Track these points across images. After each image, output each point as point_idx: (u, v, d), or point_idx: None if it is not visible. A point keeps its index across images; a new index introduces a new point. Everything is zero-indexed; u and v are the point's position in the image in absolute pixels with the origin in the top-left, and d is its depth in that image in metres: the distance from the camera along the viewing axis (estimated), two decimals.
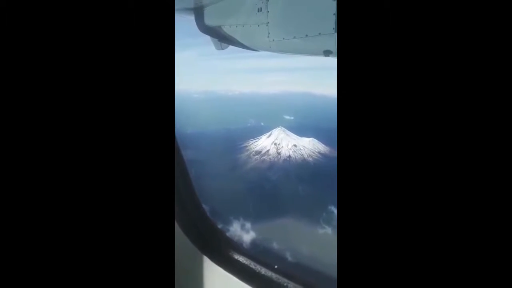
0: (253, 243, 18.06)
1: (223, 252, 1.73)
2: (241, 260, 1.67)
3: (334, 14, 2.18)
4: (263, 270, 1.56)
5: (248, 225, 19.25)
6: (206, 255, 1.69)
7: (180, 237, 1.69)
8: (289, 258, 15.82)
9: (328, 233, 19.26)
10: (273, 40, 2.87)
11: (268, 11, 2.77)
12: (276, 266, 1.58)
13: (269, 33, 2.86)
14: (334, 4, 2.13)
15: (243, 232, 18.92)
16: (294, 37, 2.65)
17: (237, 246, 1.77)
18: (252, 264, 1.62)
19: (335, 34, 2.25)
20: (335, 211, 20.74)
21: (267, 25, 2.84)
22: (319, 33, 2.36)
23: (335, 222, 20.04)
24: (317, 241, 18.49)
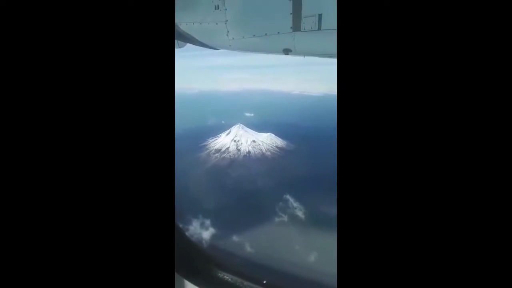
0: (213, 238, 18.38)
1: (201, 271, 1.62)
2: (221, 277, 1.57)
3: (290, 13, 2.21)
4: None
5: (207, 222, 19.48)
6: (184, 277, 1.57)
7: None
8: (249, 249, 16.44)
9: (284, 220, 20.27)
10: (233, 38, 2.83)
11: (225, 9, 2.69)
12: (265, 281, 1.53)
13: (228, 32, 2.81)
14: (291, 4, 2.17)
15: (202, 229, 19.13)
16: (254, 35, 2.67)
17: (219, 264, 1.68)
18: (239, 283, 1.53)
19: (293, 33, 2.31)
20: (291, 199, 21.83)
21: (225, 23, 2.77)
22: (278, 32, 2.38)
23: (291, 210, 21.14)
24: (274, 229, 19.38)
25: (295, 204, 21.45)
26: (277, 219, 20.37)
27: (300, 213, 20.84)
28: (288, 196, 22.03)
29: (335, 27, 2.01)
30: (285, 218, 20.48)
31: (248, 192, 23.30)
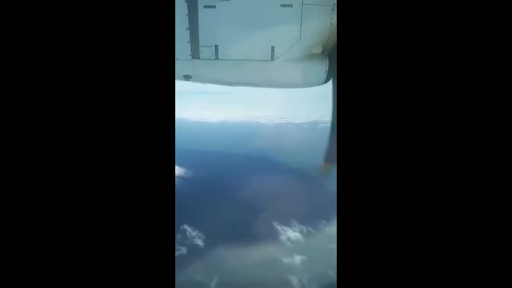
0: None
1: None
2: None
3: (188, 42, 2.27)
4: None
5: None
6: None
7: None
8: None
9: (183, 253, 19.02)
10: None
11: None
12: None
13: None
14: (188, 33, 2.22)
15: None
16: None
17: None
18: None
19: (192, 60, 2.34)
20: (188, 229, 20.79)
21: None
22: (177, 58, 2.38)
23: (189, 241, 19.99)
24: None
25: (194, 233, 20.56)
26: (176, 254, 18.86)
27: (199, 242, 20.06)
28: (186, 227, 20.96)
29: (232, 57, 2.26)
30: (184, 250, 19.25)
31: None
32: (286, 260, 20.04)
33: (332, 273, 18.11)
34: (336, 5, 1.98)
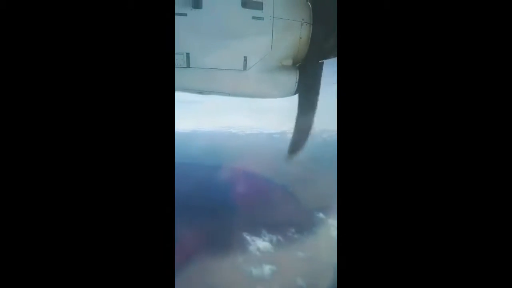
0: None
1: None
2: None
3: None
4: None
5: None
6: None
7: None
8: None
9: None
10: None
11: None
12: None
13: None
14: None
15: None
16: None
17: None
18: None
19: None
20: None
21: None
22: None
23: None
24: None
25: None
26: None
27: None
28: None
29: (204, 66, 2.25)
30: None
31: None
32: (255, 271, 19.86)
33: (300, 281, 18.30)
34: (304, 20, 2.09)
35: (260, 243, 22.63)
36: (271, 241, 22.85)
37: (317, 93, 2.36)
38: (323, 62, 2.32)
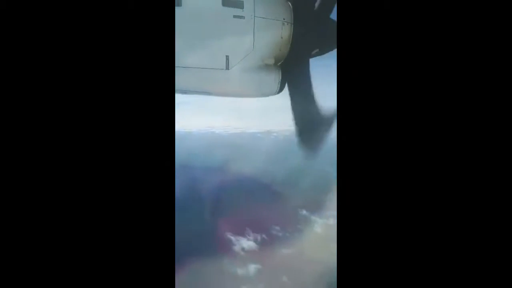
0: None
1: None
2: None
3: None
4: None
5: None
6: None
7: None
8: None
9: None
10: None
11: None
12: None
13: None
14: None
15: None
16: None
17: None
18: None
19: None
20: None
21: None
22: None
23: None
24: None
25: None
26: None
27: None
28: None
29: (185, 65, 2.20)
30: None
31: None
32: (240, 271, 19.81)
33: (286, 279, 18.47)
34: (285, 20, 2.10)
35: (245, 243, 22.60)
36: (255, 240, 22.89)
37: (308, 91, 2.35)
38: (308, 60, 2.33)
